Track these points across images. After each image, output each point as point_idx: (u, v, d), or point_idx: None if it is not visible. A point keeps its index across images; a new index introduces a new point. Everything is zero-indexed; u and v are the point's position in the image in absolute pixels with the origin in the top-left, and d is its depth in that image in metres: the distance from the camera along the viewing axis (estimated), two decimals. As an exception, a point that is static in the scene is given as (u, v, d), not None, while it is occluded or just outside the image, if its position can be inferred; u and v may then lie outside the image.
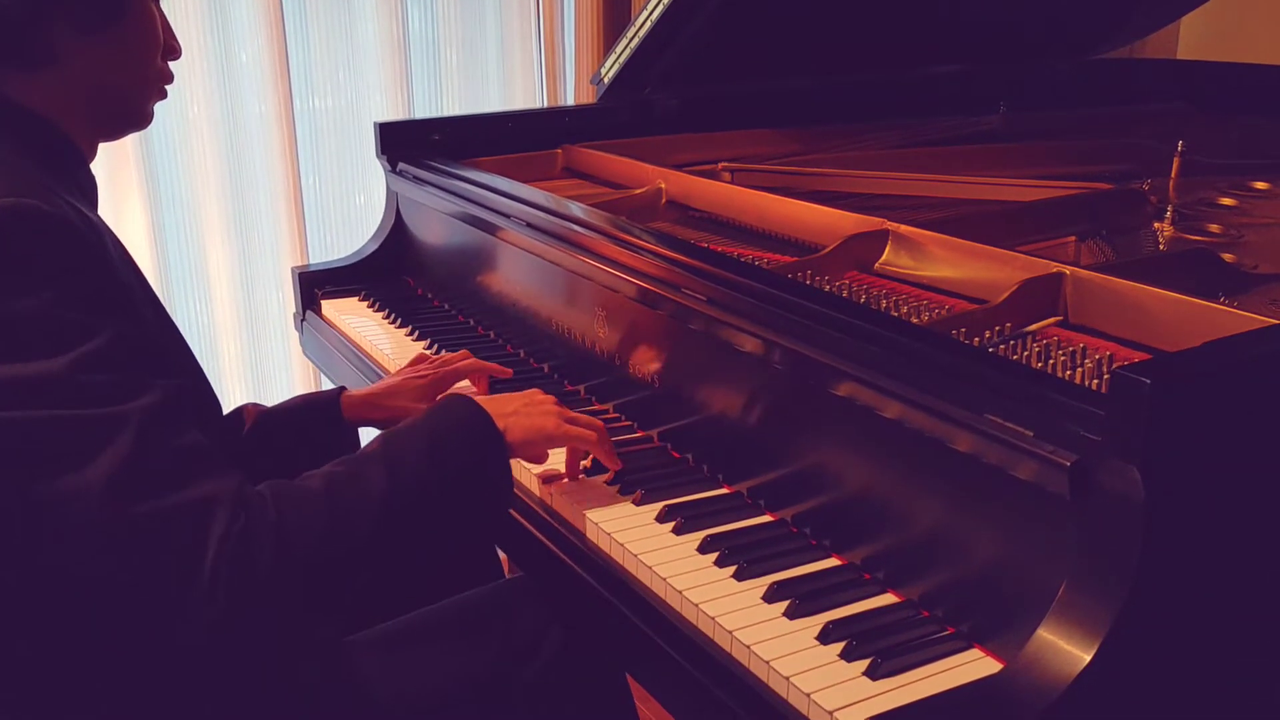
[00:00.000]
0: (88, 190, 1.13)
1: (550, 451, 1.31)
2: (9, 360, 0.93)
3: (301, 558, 0.99)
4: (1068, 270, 1.30)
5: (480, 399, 1.23)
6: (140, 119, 1.17)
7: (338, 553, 1.02)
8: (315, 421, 1.44)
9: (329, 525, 1.02)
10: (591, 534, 1.24)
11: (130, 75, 1.13)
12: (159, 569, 0.94)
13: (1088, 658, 0.86)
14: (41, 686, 1.05)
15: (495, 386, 1.59)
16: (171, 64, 1.20)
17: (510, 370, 1.61)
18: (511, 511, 1.33)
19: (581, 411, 1.39)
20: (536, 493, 1.34)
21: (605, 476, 1.32)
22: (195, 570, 0.94)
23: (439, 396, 1.47)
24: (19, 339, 0.94)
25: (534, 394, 1.29)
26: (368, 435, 1.35)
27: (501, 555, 1.75)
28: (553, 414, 1.25)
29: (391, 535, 1.06)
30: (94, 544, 0.95)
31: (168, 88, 1.19)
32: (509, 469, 1.20)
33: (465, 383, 1.58)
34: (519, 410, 1.23)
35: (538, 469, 1.34)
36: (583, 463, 1.34)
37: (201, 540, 0.94)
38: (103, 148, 1.19)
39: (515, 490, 1.36)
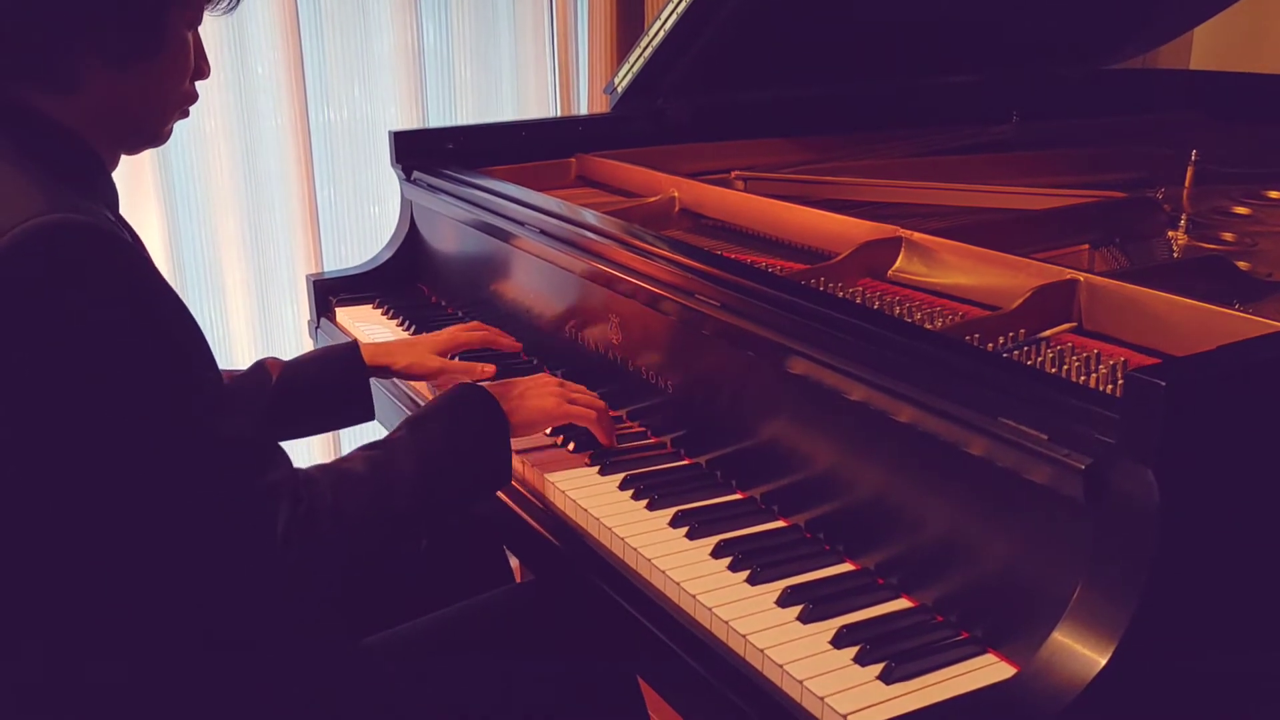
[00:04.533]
0: (110, 200, 1.14)
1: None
2: (74, 363, 0.95)
3: (353, 533, 1.12)
4: (1082, 277, 1.29)
5: (489, 385, 1.36)
6: (159, 138, 1.17)
7: (381, 527, 1.16)
8: (338, 370, 1.54)
9: (374, 505, 1.14)
10: (604, 538, 1.24)
11: (154, 101, 1.12)
12: (235, 554, 1.04)
13: (1103, 661, 0.85)
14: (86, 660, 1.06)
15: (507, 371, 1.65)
16: None
17: (519, 345, 1.70)
18: (523, 514, 1.34)
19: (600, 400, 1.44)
20: (549, 497, 1.34)
21: (617, 477, 1.33)
22: (268, 551, 1.05)
23: (451, 359, 1.62)
24: (82, 346, 0.95)
25: (539, 377, 1.42)
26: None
27: (512, 560, 1.75)
28: (554, 395, 1.38)
29: (422, 510, 1.20)
30: (170, 538, 1.01)
31: (190, 106, 1.18)
32: (510, 451, 1.31)
33: None
34: (524, 394, 1.36)
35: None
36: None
37: (271, 525, 1.05)
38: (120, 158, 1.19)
39: (531, 496, 1.36)
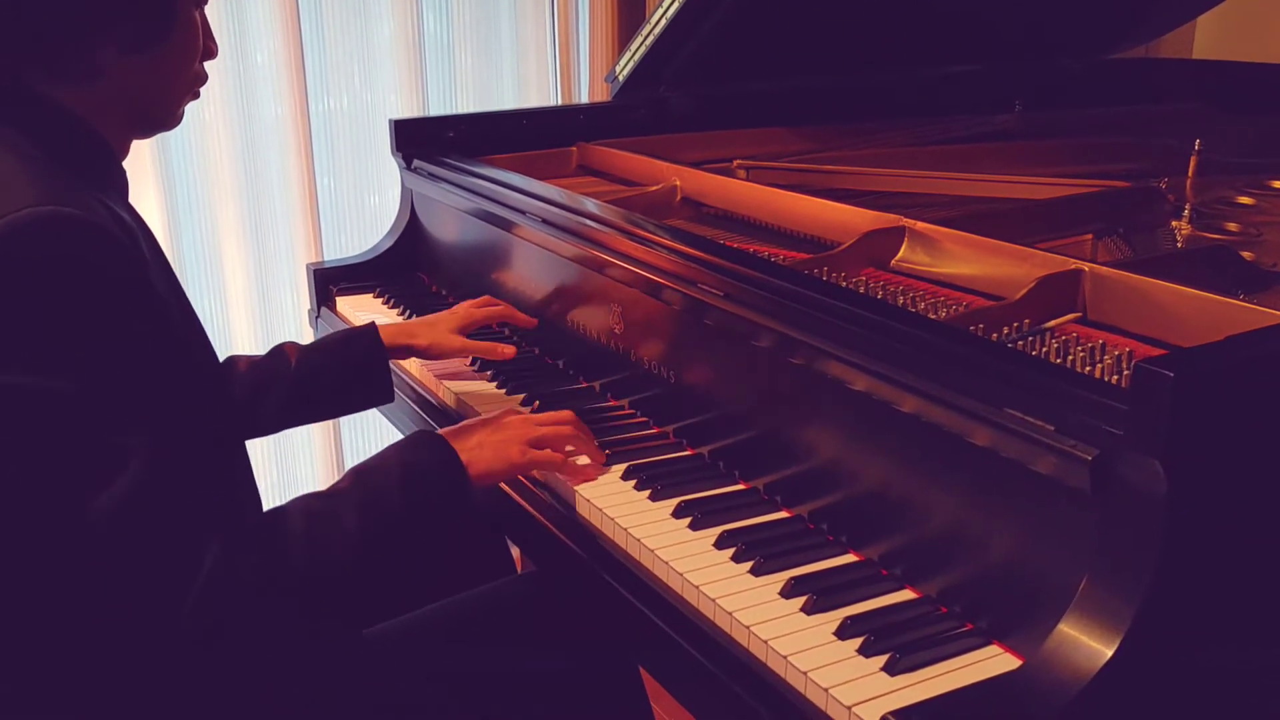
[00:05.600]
0: (120, 187, 1.14)
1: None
2: (30, 371, 0.93)
3: (283, 594, 1.03)
4: (1086, 267, 1.29)
5: (446, 431, 1.25)
6: (172, 120, 1.17)
7: (318, 584, 1.06)
8: (356, 353, 1.52)
9: (307, 565, 1.05)
10: (607, 529, 1.23)
11: (167, 84, 1.13)
12: (143, 601, 0.97)
13: (1109, 652, 0.85)
14: (31, 690, 1.04)
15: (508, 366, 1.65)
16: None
17: (535, 320, 1.67)
18: (525, 505, 1.33)
19: (595, 408, 1.42)
20: (551, 486, 1.34)
21: (620, 468, 1.32)
22: (178, 608, 0.96)
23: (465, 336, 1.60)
24: (43, 350, 0.94)
25: (502, 418, 1.29)
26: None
27: (514, 551, 1.74)
28: (517, 442, 1.25)
29: (364, 563, 1.10)
30: (84, 567, 0.95)
31: (200, 88, 1.19)
32: (469, 499, 1.22)
33: (458, 361, 1.68)
34: (484, 442, 1.24)
35: None
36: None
37: (189, 581, 0.97)
38: None
39: (533, 487, 1.36)
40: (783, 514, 1.23)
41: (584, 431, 1.34)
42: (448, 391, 1.62)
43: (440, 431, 1.25)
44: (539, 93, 2.84)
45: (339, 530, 1.08)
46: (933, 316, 1.29)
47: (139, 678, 1.02)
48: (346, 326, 1.94)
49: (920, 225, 1.48)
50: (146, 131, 1.17)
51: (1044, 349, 1.19)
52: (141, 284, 1.01)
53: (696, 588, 1.10)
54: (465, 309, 1.64)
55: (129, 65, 1.07)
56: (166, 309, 1.06)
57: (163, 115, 1.16)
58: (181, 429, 1.01)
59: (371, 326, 1.55)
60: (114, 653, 1.00)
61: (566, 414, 1.33)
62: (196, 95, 1.18)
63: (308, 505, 1.10)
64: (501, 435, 1.25)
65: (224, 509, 1.03)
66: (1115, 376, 1.11)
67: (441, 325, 1.60)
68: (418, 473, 1.16)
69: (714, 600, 1.08)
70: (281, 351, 1.51)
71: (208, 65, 1.17)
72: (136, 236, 1.07)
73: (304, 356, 1.50)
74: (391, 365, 1.58)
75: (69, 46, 1.04)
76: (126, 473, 0.95)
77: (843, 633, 1.02)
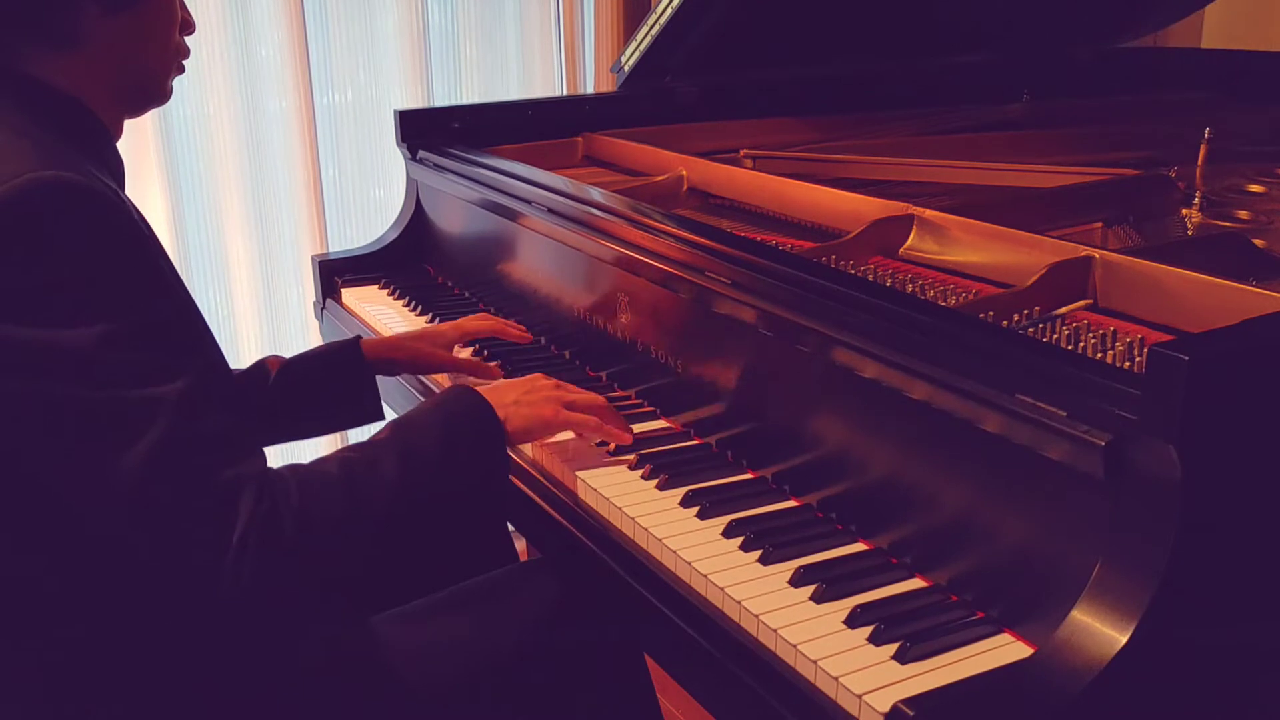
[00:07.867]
0: (115, 169, 1.14)
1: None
2: (44, 327, 0.93)
3: (321, 539, 1.03)
4: (1097, 254, 1.28)
5: (482, 389, 1.26)
6: (161, 95, 1.18)
7: (353, 534, 1.06)
8: (338, 366, 1.48)
9: (346, 509, 1.05)
10: (614, 518, 1.23)
11: (152, 52, 1.14)
12: (185, 551, 0.97)
13: (1123, 640, 0.84)
14: (69, 662, 1.05)
15: (513, 358, 1.63)
16: (192, 60, 1.22)
17: (530, 336, 1.64)
18: (530, 493, 1.33)
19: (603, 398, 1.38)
20: (557, 475, 1.33)
21: (628, 458, 1.31)
22: (221, 552, 0.96)
23: (457, 352, 1.54)
24: (55, 309, 0.94)
25: (535, 380, 1.32)
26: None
27: (518, 541, 1.74)
28: (552, 400, 1.28)
29: (402, 519, 1.10)
30: (121, 524, 0.96)
31: (185, 63, 1.20)
32: (506, 459, 1.24)
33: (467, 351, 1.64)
34: (519, 400, 1.26)
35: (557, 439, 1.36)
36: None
37: (229, 523, 0.97)
38: (123, 141, 1.19)
39: (536, 472, 1.35)
40: (791, 503, 1.22)
41: (613, 409, 1.35)
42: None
43: (478, 388, 1.25)
44: (544, 83, 2.83)
45: (376, 477, 1.08)
46: (942, 304, 1.28)
47: (180, 633, 1.04)
48: (351, 319, 1.94)
49: (929, 213, 1.47)
50: (136, 106, 1.18)
51: (1055, 336, 1.18)
52: (137, 247, 1.01)
53: (705, 576, 1.09)
54: (457, 323, 1.59)
55: (110, 29, 1.08)
56: (164, 273, 1.05)
57: (150, 88, 1.16)
58: (204, 379, 1.01)
59: (355, 340, 1.50)
60: (154, 609, 1.01)
61: (597, 395, 1.36)
62: (182, 69, 1.19)
63: (345, 454, 1.10)
64: (538, 394, 1.28)
65: (252, 462, 1.02)
66: (1127, 363, 1.10)
67: (428, 340, 1.55)
68: (456, 424, 1.18)
69: (722, 589, 1.07)
70: (262, 365, 1.46)
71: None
72: (132, 211, 1.07)
73: (283, 371, 1.45)
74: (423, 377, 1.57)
75: (50, 8, 1.05)
76: (154, 425, 0.95)
77: (852, 621, 1.01)
